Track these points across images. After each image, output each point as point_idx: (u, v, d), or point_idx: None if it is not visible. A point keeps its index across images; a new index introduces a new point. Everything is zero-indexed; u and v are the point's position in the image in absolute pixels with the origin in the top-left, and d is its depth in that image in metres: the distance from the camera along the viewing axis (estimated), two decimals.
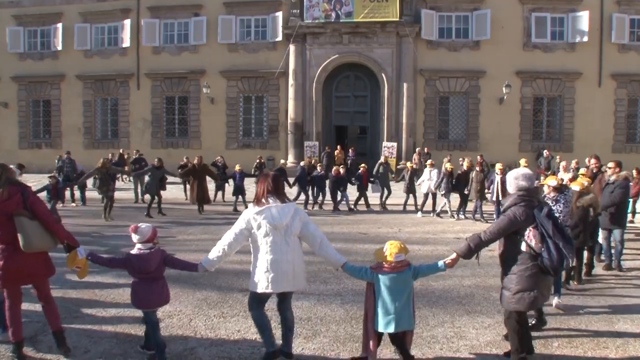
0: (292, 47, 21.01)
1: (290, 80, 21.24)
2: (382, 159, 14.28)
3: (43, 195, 9.92)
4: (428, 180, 12.58)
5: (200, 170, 12.82)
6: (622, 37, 20.19)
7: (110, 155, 17.24)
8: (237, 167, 13.50)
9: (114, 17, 22.59)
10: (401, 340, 3.85)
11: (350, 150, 20.55)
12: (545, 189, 5.64)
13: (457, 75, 20.72)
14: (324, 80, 21.21)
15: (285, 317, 4.03)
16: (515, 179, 3.84)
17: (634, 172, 11.50)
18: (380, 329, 3.77)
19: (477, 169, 12.02)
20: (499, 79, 19.96)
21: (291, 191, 13.16)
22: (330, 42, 20.84)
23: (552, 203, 5.45)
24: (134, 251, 3.92)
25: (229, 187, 14.31)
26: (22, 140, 23.90)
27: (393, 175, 15.69)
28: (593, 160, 8.28)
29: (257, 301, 3.93)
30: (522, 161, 11.94)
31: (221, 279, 6.32)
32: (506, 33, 20.24)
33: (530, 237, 3.60)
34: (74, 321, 4.95)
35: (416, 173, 13.64)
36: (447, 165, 12.54)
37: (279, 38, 21.28)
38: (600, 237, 7.34)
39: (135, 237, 3.91)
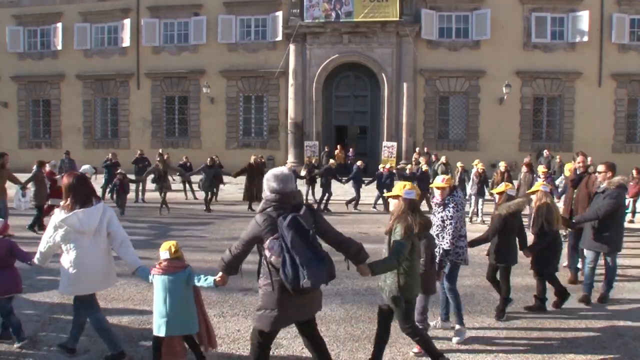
0: (292, 47, 21.01)
1: (290, 80, 21.24)
2: (443, 159, 14.24)
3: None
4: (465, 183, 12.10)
5: (256, 170, 12.91)
6: (622, 37, 20.18)
7: (110, 155, 17.18)
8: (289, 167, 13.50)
9: (114, 16, 22.60)
10: (158, 346, 3.73)
11: (350, 150, 20.56)
12: (436, 193, 4.63)
13: (457, 75, 20.72)
14: (324, 80, 21.20)
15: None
16: (267, 180, 3.20)
17: (634, 171, 11.49)
18: (154, 332, 3.71)
19: (525, 170, 11.19)
20: (499, 79, 19.95)
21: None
22: (330, 42, 20.83)
23: (439, 209, 4.58)
24: None
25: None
26: (22, 140, 23.90)
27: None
28: (579, 158, 6.82)
29: (84, 304, 3.92)
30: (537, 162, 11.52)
31: None
32: (506, 33, 20.24)
33: (268, 248, 3.05)
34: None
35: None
36: (478, 167, 11.87)
37: (279, 38, 21.28)
38: (588, 260, 5.81)
39: None
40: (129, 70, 22.62)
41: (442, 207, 4.55)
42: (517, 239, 5.23)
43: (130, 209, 12.38)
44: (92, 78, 22.97)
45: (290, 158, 21.14)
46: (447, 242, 4.48)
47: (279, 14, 21.22)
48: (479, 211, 11.56)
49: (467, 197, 11.80)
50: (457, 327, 4.57)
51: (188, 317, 3.71)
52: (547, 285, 5.45)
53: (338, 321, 4.98)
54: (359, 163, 14.00)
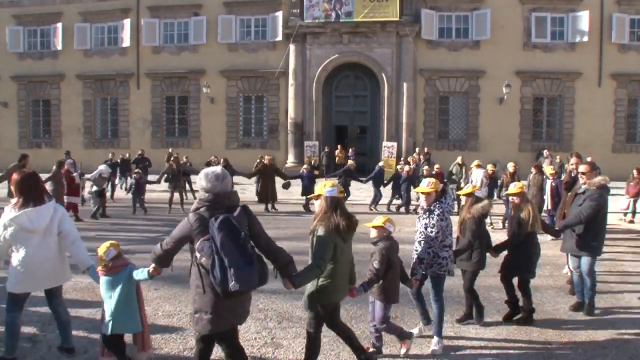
0: (292, 47, 21.00)
1: (290, 80, 21.23)
2: (459, 159, 13.86)
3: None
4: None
5: (270, 170, 12.95)
6: (622, 37, 20.17)
7: (110, 155, 17.21)
8: (305, 167, 13.57)
9: (114, 16, 22.59)
10: (118, 343, 3.77)
11: (350, 150, 20.53)
12: (421, 198, 4.44)
13: (457, 75, 20.71)
14: (324, 80, 21.19)
15: (58, 312, 4.07)
16: (199, 179, 3.13)
17: (635, 171, 11.50)
18: (102, 330, 3.75)
19: (534, 171, 10.61)
20: (499, 79, 19.94)
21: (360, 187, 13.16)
22: (330, 42, 20.83)
23: (425, 215, 4.36)
24: None
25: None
26: (21, 140, 23.89)
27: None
28: (573, 160, 6.51)
29: (15, 302, 3.90)
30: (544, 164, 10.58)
31: None
32: (506, 33, 20.23)
33: (198, 250, 2.98)
34: (73, 321, 4.94)
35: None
36: (488, 168, 11.58)
37: (279, 38, 21.27)
38: (570, 266, 5.72)
39: None
40: (129, 70, 22.61)
41: (427, 213, 4.34)
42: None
43: (126, 208, 12.43)
44: (92, 78, 22.96)
45: (291, 158, 21.14)
46: (422, 251, 4.29)
47: (279, 14, 21.21)
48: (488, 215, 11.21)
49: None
50: (435, 339, 4.35)
51: (132, 316, 3.74)
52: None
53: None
54: (349, 163, 14.00)
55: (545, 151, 18.45)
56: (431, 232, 4.25)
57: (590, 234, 5.22)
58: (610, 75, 20.26)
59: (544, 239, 6.26)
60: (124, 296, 3.68)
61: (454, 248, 4.67)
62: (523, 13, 20.46)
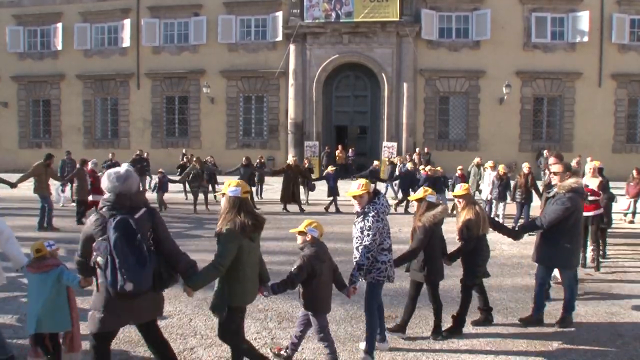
0: (292, 47, 21.01)
1: (291, 80, 21.23)
2: (476, 160, 13.49)
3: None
4: (489, 185, 11.22)
5: (295, 171, 12.89)
6: (622, 37, 20.18)
7: (110, 155, 17.20)
8: (331, 168, 13.51)
9: (114, 16, 22.60)
10: (41, 342, 3.76)
11: (350, 150, 20.55)
12: (354, 202, 4.13)
13: (457, 75, 20.71)
14: (324, 80, 21.20)
15: None
16: (103, 179, 3.14)
17: (634, 172, 11.48)
18: (27, 328, 3.76)
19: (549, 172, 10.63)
20: (499, 79, 19.95)
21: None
22: (330, 42, 20.83)
23: (359, 219, 4.04)
24: None
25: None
26: (22, 140, 23.90)
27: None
28: (551, 160, 5.72)
29: None
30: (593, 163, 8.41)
31: None
32: (506, 33, 20.24)
33: (94, 249, 2.97)
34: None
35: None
36: (500, 169, 11.07)
37: (279, 38, 21.28)
38: (538, 275, 5.11)
39: None
40: (129, 70, 22.62)
41: (362, 216, 4.02)
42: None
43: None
44: (92, 78, 22.97)
45: (290, 158, 21.10)
46: (361, 256, 3.97)
47: (279, 14, 21.22)
48: (501, 217, 10.72)
49: (486, 201, 11.21)
50: (363, 356, 4.03)
51: (60, 316, 3.74)
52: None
53: (338, 321, 4.97)
54: (330, 169, 13.68)
55: (545, 151, 18.45)
56: (367, 234, 3.94)
57: (561, 243, 4.73)
58: (610, 75, 20.26)
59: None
60: (52, 295, 3.69)
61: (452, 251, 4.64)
62: (523, 13, 20.47)
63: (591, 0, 19.97)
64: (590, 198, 6.97)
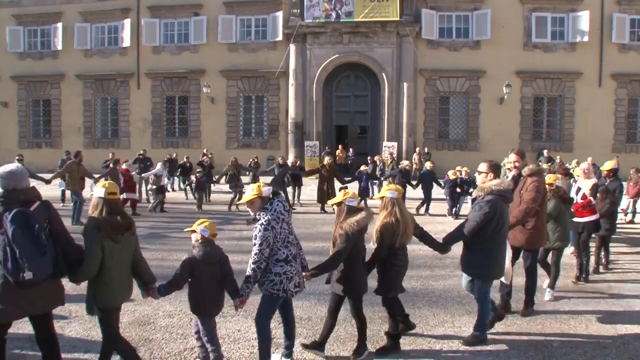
0: (292, 47, 21.01)
1: (291, 80, 21.24)
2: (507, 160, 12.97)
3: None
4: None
5: (329, 171, 12.71)
6: (622, 37, 20.17)
7: (110, 155, 17.20)
8: (364, 167, 13.39)
9: (114, 16, 22.60)
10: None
11: (350, 150, 20.54)
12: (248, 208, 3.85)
13: (458, 75, 20.71)
14: (324, 80, 21.20)
15: None
16: None
17: (632, 171, 11.48)
18: None
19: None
20: (499, 79, 19.95)
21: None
22: (330, 42, 20.83)
23: (259, 229, 3.63)
24: None
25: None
26: (22, 140, 23.90)
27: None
28: (512, 157, 5.35)
29: None
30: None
31: None
32: (506, 33, 20.23)
33: None
34: (74, 321, 4.96)
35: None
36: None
37: (279, 38, 21.28)
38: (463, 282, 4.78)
39: None
40: (129, 70, 22.62)
41: (255, 222, 3.71)
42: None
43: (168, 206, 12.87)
44: (92, 78, 22.97)
45: (291, 158, 21.11)
46: (249, 267, 3.67)
47: (279, 14, 21.21)
48: None
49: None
50: None
51: None
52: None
53: (338, 321, 4.93)
54: (362, 168, 13.62)
55: (545, 151, 18.47)
56: (254, 244, 3.63)
57: (479, 250, 4.29)
58: (610, 75, 20.26)
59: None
60: None
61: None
62: (523, 13, 20.47)
63: (591, 0, 19.96)
64: (594, 203, 6.68)
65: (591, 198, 6.70)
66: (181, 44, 22.28)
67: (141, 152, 17.00)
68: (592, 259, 6.97)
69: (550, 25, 20.48)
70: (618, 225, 10.33)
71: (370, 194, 13.49)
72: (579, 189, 6.87)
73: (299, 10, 20.79)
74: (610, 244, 7.49)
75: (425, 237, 4.47)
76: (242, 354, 4.24)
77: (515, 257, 5.07)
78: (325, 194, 12.51)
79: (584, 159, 14.48)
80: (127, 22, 22.33)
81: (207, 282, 3.69)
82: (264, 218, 3.64)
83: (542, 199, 5.04)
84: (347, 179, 13.20)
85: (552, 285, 5.83)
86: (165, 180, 13.72)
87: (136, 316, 5.06)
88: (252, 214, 3.77)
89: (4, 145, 23.32)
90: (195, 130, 22.52)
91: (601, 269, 7.05)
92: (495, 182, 4.32)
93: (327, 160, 13.15)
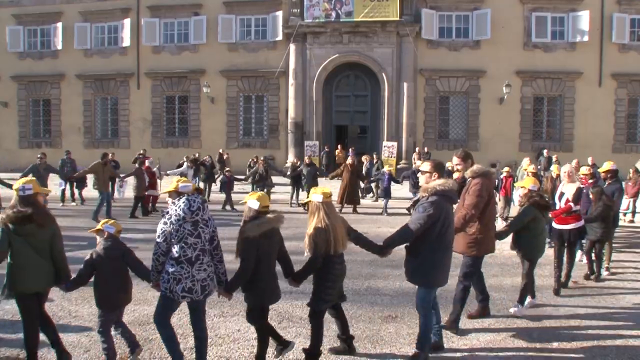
0: (292, 47, 21.00)
1: (291, 80, 21.23)
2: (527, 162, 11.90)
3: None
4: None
5: (353, 172, 12.59)
6: (622, 36, 20.17)
7: (110, 154, 17.18)
8: (388, 168, 13.30)
9: (114, 16, 22.60)
10: None
11: (350, 149, 20.49)
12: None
13: (458, 74, 20.71)
14: (324, 80, 21.19)
15: None
16: None
17: (631, 171, 11.49)
18: None
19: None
20: (499, 79, 19.94)
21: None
22: (330, 42, 20.83)
23: (161, 222, 3.67)
24: None
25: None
26: (22, 140, 23.90)
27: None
28: (455, 160, 5.03)
29: None
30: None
31: None
32: (506, 33, 20.23)
33: None
34: (74, 321, 4.96)
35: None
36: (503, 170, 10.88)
37: (279, 37, 21.27)
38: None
39: None
40: (129, 70, 22.61)
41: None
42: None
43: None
44: (92, 78, 22.96)
45: (291, 158, 21.13)
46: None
47: (279, 13, 21.21)
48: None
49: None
50: None
51: None
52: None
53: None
54: (386, 169, 13.34)
55: (545, 151, 18.47)
56: (157, 235, 3.65)
57: (420, 257, 3.95)
58: (610, 75, 20.26)
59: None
60: None
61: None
62: (523, 13, 20.47)
63: (591, 0, 19.97)
64: (575, 209, 6.16)
65: (572, 204, 6.15)
66: (181, 43, 22.28)
67: (141, 151, 16.98)
68: (591, 264, 6.69)
69: (550, 25, 20.48)
70: (618, 225, 10.26)
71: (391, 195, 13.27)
72: (562, 194, 6.33)
73: (298, 10, 20.79)
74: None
75: (361, 240, 4.12)
76: (242, 354, 4.24)
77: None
78: (351, 195, 12.35)
79: (584, 158, 14.50)
80: (127, 22, 22.32)
81: (110, 276, 3.85)
82: (168, 212, 3.68)
83: (487, 203, 4.61)
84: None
85: (521, 300, 5.27)
86: (190, 180, 13.89)
87: (136, 316, 5.06)
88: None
89: (4, 145, 23.32)
90: (195, 130, 22.52)
91: (592, 278, 6.57)
92: (439, 182, 3.99)
93: (350, 160, 12.96)
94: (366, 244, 4.12)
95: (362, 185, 12.63)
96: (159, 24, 22.30)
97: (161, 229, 3.61)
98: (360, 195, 13.34)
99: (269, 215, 3.78)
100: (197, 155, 17.18)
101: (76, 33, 22.76)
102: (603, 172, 7.55)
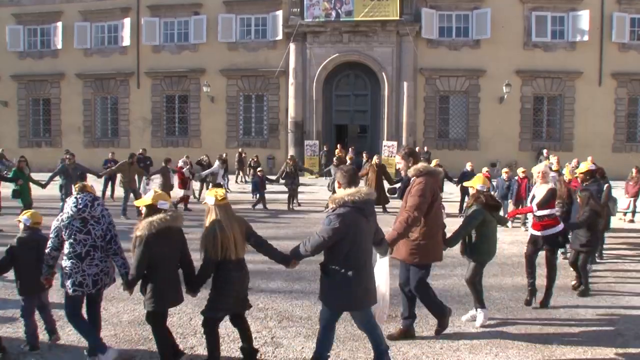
0: (292, 46, 20.99)
1: (291, 79, 21.23)
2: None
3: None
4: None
5: (378, 171, 12.37)
6: (622, 36, 20.15)
7: (110, 154, 17.19)
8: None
9: (114, 15, 22.58)
10: None
11: (350, 149, 20.49)
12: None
13: (458, 74, 20.69)
14: (324, 79, 21.18)
15: None
16: None
17: (634, 170, 11.47)
18: None
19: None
20: (499, 78, 19.93)
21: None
22: (330, 41, 20.81)
23: None
24: None
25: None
26: (22, 139, 23.89)
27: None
28: (397, 159, 4.67)
29: None
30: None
31: None
32: (506, 32, 20.21)
33: None
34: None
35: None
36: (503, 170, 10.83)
37: (279, 37, 21.26)
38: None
39: None
40: (129, 69, 22.60)
41: None
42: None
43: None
44: (92, 77, 22.95)
45: (289, 156, 21.12)
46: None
47: (279, 13, 21.19)
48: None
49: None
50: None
51: None
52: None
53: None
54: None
55: (545, 150, 18.46)
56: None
57: (329, 276, 3.51)
58: (610, 74, 20.24)
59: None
60: None
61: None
62: (523, 12, 20.45)
63: None
64: (539, 214, 5.50)
65: (535, 206, 5.52)
66: (181, 43, 22.26)
67: (141, 151, 16.99)
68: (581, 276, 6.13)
69: (550, 25, 20.46)
70: (618, 225, 10.20)
71: None
72: (533, 196, 5.64)
73: (298, 10, 20.77)
74: (611, 244, 7.40)
75: (263, 248, 3.79)
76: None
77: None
78: (379, 195, 11.89)
79: (584, 158, 14.47)
80: (127, 21, 22.31)
81: (27, 264, 4.09)
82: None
83: (431, 204, 4.21)
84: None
85: (480, 306, 4.91)
86: (221, 179, 14.18)
87: (136, 315, 5.06)
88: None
89: (4, 144, 23.26)
90: (195, 129, 22.51)
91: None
92: (348, 191, 3.44)
93: (375, 159, 12.77)
94: (269, 252, 3.78)
95: (387, 185, 12.31)
96: (159, 23, 22.28)
97: (54, 226, 3.82)
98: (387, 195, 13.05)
99: (163, 215, 3.60)
100: (224, 155, 17.07)
101: (76, 32, 22.74)
102: (581, 173, 6.99)
